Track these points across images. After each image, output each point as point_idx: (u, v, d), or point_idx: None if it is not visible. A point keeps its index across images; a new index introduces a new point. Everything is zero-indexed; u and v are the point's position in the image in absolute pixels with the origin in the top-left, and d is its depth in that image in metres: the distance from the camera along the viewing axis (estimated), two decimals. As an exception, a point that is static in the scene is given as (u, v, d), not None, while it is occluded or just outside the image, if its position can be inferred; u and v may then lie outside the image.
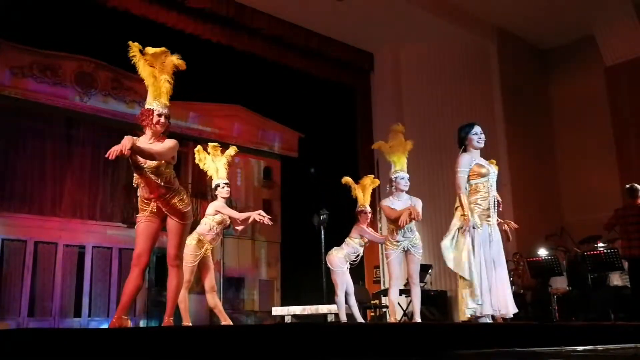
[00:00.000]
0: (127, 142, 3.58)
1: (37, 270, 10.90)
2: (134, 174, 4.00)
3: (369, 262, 10.80)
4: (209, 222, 5.63)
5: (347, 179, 6.76)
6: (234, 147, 6.08)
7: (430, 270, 9.52)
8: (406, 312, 8.49)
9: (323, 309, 7.95)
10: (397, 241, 5.73)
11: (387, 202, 5.82)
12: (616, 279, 8.11)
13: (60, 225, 11.23)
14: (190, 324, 5.57)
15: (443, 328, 4.21)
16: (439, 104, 10.97)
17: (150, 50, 4.02)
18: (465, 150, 4.89)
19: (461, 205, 4.67)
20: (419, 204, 5.73)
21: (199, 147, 5.97)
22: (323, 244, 8.49)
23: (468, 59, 11.13)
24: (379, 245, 10.12)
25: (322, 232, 8.68)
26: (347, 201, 6.95)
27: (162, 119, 4.02)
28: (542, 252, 8.74)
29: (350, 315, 6.82)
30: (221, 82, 11.48)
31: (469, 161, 4.78)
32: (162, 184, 3.97)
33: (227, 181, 5.80)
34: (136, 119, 4.08)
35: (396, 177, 5.83)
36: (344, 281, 6.56)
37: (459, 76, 11.05)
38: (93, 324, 11.08)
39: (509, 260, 6.95)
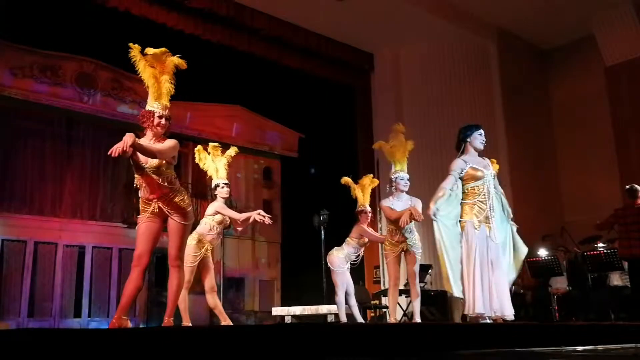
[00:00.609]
0: (128, 138, 3.59)
1: (37, 271, 10.90)
2: (135, 175, 4.01)
3: (369, 263, 10.79)
4: (209, 222, 5.63)
5: (346, 179, 6.76)
6: (235, 147, 6.09)
7: (430, 270, 9.52)
8: (406, 312, 8.49)
9: (323, 309, 7.95)
10: (397, 241, 5.73)
11: (387, 203, 5.82)
12: (616, 279, 8.11)
13: (60, 226, 11.23)
14: (190, 324, 5.57)
15: (443, 328, 4.21)
16: (439, 104, 10.96)
17: (150, 51, 4.03)
18: (463, 153, 4.91)
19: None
20: (418, 205, 5.73)
21: (199, 146, 5.98)
22: (323, 244, 8.49)
23: (468, 59, 11.12)
24: (379, 245, 10.12)
25: (322, 232, 8.68)
26: (347, 201, 6.95)
27: (163, 120, 4.04)
28: (542, 252, 8.74)
29: (350, 316, 6.82)
30: (221, 82, 11.48)
31: (462, 165, 4.84)
32: (164, 184, 3.98)
33: (226, 181, 5.80)
34: (137, 120, 4.09)
35: (396, 178, 5.83)
36: (344, 281, 6.55)
37: (459, 76, 11.05)
38: (93, 325, 11.08)
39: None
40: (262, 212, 5.54)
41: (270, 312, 9.24)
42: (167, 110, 4.08)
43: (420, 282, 6.40)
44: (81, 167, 11.67)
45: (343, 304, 6.56)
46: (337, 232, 7.46)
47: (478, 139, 4.89)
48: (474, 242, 4.65)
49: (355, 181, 6.82)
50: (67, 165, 11.50)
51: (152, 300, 11.68)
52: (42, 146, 11.26)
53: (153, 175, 3.94)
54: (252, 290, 13.98)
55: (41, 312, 10.76)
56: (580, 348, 3.65)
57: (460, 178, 4.86)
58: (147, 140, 3.99)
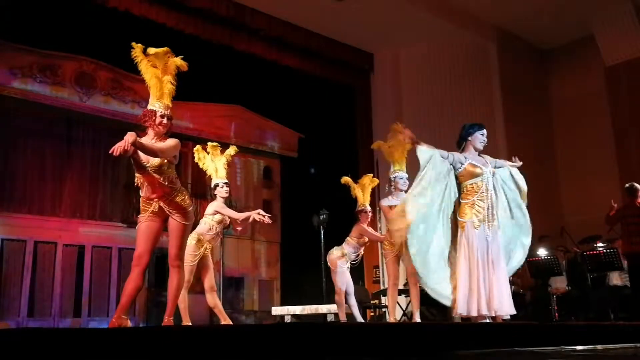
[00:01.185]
0: (129, 137, 3.59)
1: (37, 270, 10.89)
2: (136, 174, 4.02)
3: (368, 262, 10.80)
4: (209, 221, 5.63)
5: (346, 179, 6.76)
6: (234, 147, 6.09)
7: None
8: (406, 312, 8.49)
9: (323, 308, 7.95)
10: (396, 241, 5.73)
11: (386, 202, 5.84)
12: (615, 279, 8.11)
13: (59, 225, 11.22)
14: (190, 324, 5.57)
15: (443, 328, 4.21)
16: (439, 103, 10.97)
17: (152, 50, 4.04)
18: (463, 150, 4.90)
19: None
20: None
21: (198, 146, 5.98)
22: (323, 243, 8.49)
23: (468, 59, 11.12)
24: (379, 245, 10.11)
25: (322, 232, 8.68)
26: (347, 201, 6.95)
27: (165, 120, 4.05)
28: (542, 252, 8.74)
29: (350, 315, 6.82)
30: (221, 82, 11.48)
31: (462, 159, 4.78)
32: (165, 183, 3.99)
33: (226, 181, 5.80)
34: (138, 120, 4.10)
35: (395, 177, 5.85)
36: (344, 281, 6.55)
37: (459, 76, 11.05)
38: (92, 324, 11.08)
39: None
40: (261, 212, 5.54)
41: (270, 311, 9.24)
42: (168, 110, 4.09)
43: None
44: (81, 166, 11.67)
45: (343, 304, 6.56)
46: (336, 232, 7.46)
47: (479, 138, 4.87)
48: (475, 242, 4.63)
49: (355, 181, 6.82)
50: (67, 165, 11.49)
51: (152, 300, 11.68)
52: (41, 146, 11.25)
53: (154, 175, 3.95)
54: (252, 289, 13.98)
55: (41, 312, 10.75)
56: (579, 348, 3.65)
57: (457, 175, 4.83)
58: (148, 140, 3.99)
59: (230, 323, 5.85)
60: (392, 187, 5.88)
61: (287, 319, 8.15)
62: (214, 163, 5.87)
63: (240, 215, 5.69)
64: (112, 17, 8.97)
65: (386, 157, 6.09)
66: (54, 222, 11.19)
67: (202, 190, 11.97)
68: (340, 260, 6.54)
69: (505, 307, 4.61)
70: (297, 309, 8.25)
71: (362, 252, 6.75)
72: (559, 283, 8.51)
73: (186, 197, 4.15)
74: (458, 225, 4.78)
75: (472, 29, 10.87)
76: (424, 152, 4.74)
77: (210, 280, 5.65)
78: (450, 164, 4.78)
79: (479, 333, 3.79)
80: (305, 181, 13.36)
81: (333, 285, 6.68)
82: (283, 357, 2.64)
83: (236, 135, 13.91)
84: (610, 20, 10.42)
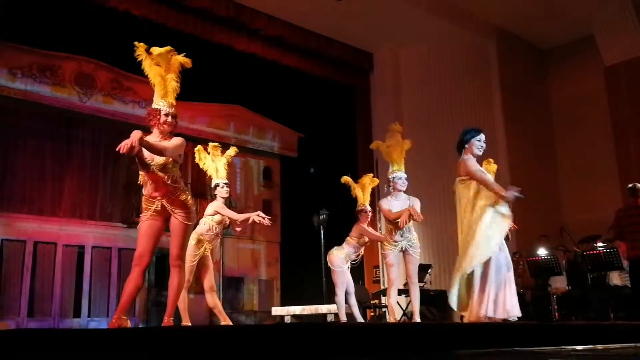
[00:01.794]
0: (135, 134, 3.59)
1: (37, 271, 10.89)
2: (140, 172, 4.01)
3: (368, 262, 10.80)
4: (208, 222, 5.64)
5: (346, 179, 6.76)
6: (234, 147, 6.09)
7: (429, 270, 9.52)
8: (405, 312, 8.49)
9: (323, 309, 7.95)
10: (395, 241, 5.74)
11: (385, 202, 5.83)
12: (615, 279, 8.11)
13: (59, 226, 11.23)
14: (190, 324, 5.57)
15: (443, 328, 4.21)
16: (438, 103, 10.97)
17: (156, 50, 4.05)
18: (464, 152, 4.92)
19: (490, 187, 4.70)
20: (417, 204, 5.74)
21: (199, 146, 5.99)
22: (323, 243, 8.50)
23: (468, 59, 11.12)
24: (379, 245, 10.11)
25: (322, 232, 8.68)
26: (347, 201, 6.96)
27: (170, 119, 4.04)
28: (542, 252, 8.74)
29: (350, 315, 6.82)
30: (221, 82, 11.48)
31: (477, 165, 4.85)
32: (169, 182, 3.98)
33: (226, 181, 5.81)
34: (144, 119, 4.10)
35: (394, 177, 5.83)
36: (344, 281, 6.55)
37: (458, 76, 11.05)
38: (92, 324, 11.08)
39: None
40: (261, 214, 5.54)
41: (270, 312, 9.25)
42: (173, 108, 4.08)
43: (419, 281, 6.40)
44: (80, 167, 11.67)
45: (343, 304, 6.56)
46: (336, 232, 7.46)
47: (476, 144, 4.87)
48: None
49: (355, 181, 6.82)
50: (67, 165, 11.50)
51: (152, 300, 11.69)
52: (41, 146, 11.26)
53: (159, 173, 3.94)
54: (252, 290, 13.99)
55: (41, 312, 10.76)
56: (579, 347, 3.65)
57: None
58: (154, 138, 3.99)
59: (230, 323, 5.85)
60: (391, 188, 5.88)
61: (287, 319, 8.15)
62: (214, 163, 5.88)
63: (240, 217, 5.68)
64: (111, 17, 8.97)
65: (385, 157, 6.08)
66: (53, 223, 11.20)
67: (202, 190, 11.97)
68: (340, 260, 6.54)
69: (515, 310, 4.66)
70: (297, 309, 8.25)
71: (362, 252, 6.75)
72: (559, 283, 8.51)
73: (189, 196, 4.14)
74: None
75: (472, 29, 10.87)
76: None
77: (210, 280, 5.65)
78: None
79: (478, 333, 3.79)
80: (305, 181, 13.36)
81: (333, 285, 6.68)
82: (283, 357, 2.64)
83: (236, 135, 13.92)
84: (609, 20, 10.41)
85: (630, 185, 7.27)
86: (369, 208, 6.67)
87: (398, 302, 7.72)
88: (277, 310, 8.80)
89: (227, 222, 5.79)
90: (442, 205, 9.02)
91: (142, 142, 3.66)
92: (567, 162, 11.42)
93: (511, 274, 4.75)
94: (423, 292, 6.83)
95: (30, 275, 10.80)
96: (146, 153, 3.89)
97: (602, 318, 7.57)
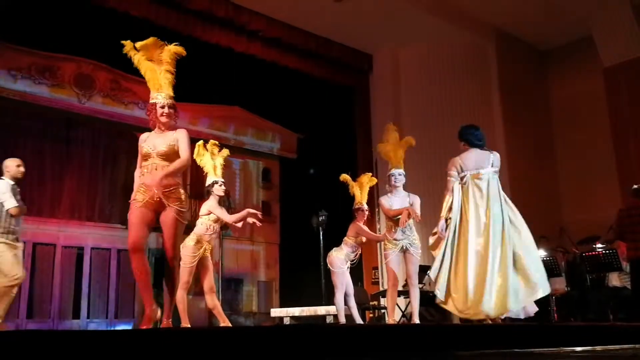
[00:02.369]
0: (158, 184, 3.75)
1: (36, 272, 10.86)
2: (143, 163, 3.99)
3: (367, 263, 10.80)
4: (205, 222, 5.64)
5: (345, 177, 6.82)
6: (227, 150, 6.09)
7: (429, 272, 9.51)
8: (405, 313, 8.48)
9: (322, 310, 7.95)
10: (396, 239, 5.75)
11: (384, 199, 5.89)
12: (615, 280, 8.11)
13: (58, 227, 11.21)
14: (189, 325, 5.56)
15: (442, 329, 4.21)
16: (437, 104, 10.97)
17: (140, 44, 3.97)
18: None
19: None
20: (417, 201, 5.79)
21: (200, 142, 5.98)
22: (322, 245, 8.49)
23: (467, 59, 11.13)
24: (378, 246, 10.13)
25: (321, 233, 8.68)
26: (346, 202, 6.96)
27: (166, 110, 3.97)
28: (541, 253, 8.74)
29: (349, 317, 6.82)
30: (220, 83, 11.47)
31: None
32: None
33: (223, 180, 5.83)
34: (142, 120, 4.10)
35: (390, 174, 5.91)
36: (344, 282, 6.55)
37: (458, 77, 11.06)
38: (92, 326, 11.06)
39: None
40: (251, 211, 5.53)
41: (269, 313, 9.25)
42: (170, 99, 4.00)
43: (419, 283, 6.40)
44: (80, 168, 11.65)
45: (342, 305, 6.56)
46: (335, 233, 7.46)
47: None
48: None
49: (354, 180, 6.85)
50: (66, 166, 11.47)
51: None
52: (40, 147, 11.24)
53: (160, 162, 3.90)
54: (251, 291, 13.97)
55: (40, 314, 10.73)
56: (578, 349, 3.65)
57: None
58: (157, 133, 3.97)
59: (229, 325, 5.84)
60: (390, 185, 5.93)
61: (286, 321, 8.15)
62: (212, 161, 5.89)
63: (231, 218, 5.66)
64: (111, 18, 8.96)
65: (384, 156, 6.12)
66: (52, 224, 11.18)
67: (201, 190, 11.97)
68: (340, 261, 6.55)
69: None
70: (296, 311, 8.25)
71: (360, 251, 6.77)
72: (558, 284, 8.51)
73: (185, 195, 4.07)
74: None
75: (472, 29, 10.88)
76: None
77: (209, 281, 5.64)
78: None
79: (478, 334, 3.79)
80: (304, 182, 13.35)
81: (332, 287, 6.69)
82: (282, 359, 2.64)
83: (235, 136, 13.91)
84: (608, 21, 10.43)
85: (635, 186, 7.23)
86: (365, 207, 6.70)
87: (397, 304, 7.71)
88: (276, 312, 8.80)
89: (224, 221, 5.80)
90: (441, 205, 9.00)
91: (162, 182, 3.75)
92: (567, 163, 11.43)
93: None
94: (422, 293, 6.83)
95: (29, 277, 10.77)
96: (147, 144, 3.89)
97: (601, 319, 7.57)
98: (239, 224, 5.64)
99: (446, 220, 4.90)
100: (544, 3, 10.19)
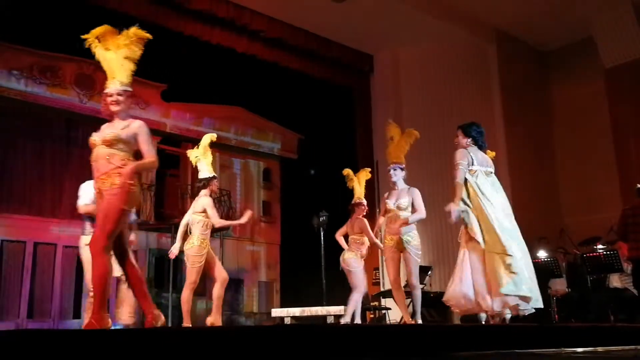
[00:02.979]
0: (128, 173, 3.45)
1: (37, 272, 10.88)
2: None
3: (368, 264, 10.73)
4: (203, 219, 5.68)
5: (347, 171, 6.95)
6: (211, 135, 6.07)
7: (429, 272, 9.52)
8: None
9: (322, 310, 7.94)
10: (394, 233, 5.74)
11: (386, 194, 5.95)
12: (615, 281, 8.10)
13: (59, 227, 11.21)
14: (190, 325, 5.56)
15: (443, 330, 4.21)
16: (438, 105, 10.97)
17: (94, 32, 3.90)
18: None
19: None
20: (417, 194, 5.80)
21: (207, 141, 6.03)
22: (323, 245, 8.49)
23: (468, 60, 11.13)
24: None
25: (322, 233, 8.67)
26: (347, 203, 6.98)
27: (114, 98, 3.72)
28: (542, 254, 8.73)
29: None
30: (221, 83, 11.47)
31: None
32: (112, 161, 3.57)
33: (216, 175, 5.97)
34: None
35: (388, 170, 5.96)
36: (364, 282, 6.65)
37: (458, 78, 11.06)
38: (92, 326, 11.05)
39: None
40: (236, 223, 5.58)
41: (270, 313, 9.23)
42: (120, 85, 3.73)
43: (420, 283, 6.40)
44: (80, 168, 11.64)
45: (360, 306, 6.63)
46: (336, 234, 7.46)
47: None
48: None
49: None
50: (67, 167, 11.48)
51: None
52: (41, 147, 11.25)
53: (103, 150, 3.59)
54: (252, 291, 13.97)
55: (40, 313, 10.74)
56: (579, 350, 3.65)
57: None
58: (112, 125, 3.69)
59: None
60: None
61: (287, 321, 8.14)
62: (211, 157, 6.00)
63: (220, 222, 5.76)
64: (111, 18, 8.94)
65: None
66: (53, 223, 11.18)
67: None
68: (355, 260, 6.60)
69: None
70: (297, 311, 8.24)
71: (366, 251, 6.80)
72: (559, 285, 8.50)
73: (132, 184, 3.58)
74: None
75: (472, 30, 10.88)
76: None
77: (220, 271, 5.70)
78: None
79: (478, 335, 3.79)
80: (305, 183, 13.35)
81: (333, 287, 6.71)
82: (283, 358, 2.63)
83: (236, 136, 13.91)
84: (609, 22, 10.42)
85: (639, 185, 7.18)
86: (364, 201, 6.77)
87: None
88: (276, 312, 8.78)
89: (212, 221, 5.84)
90: (441, 206, 8.99)
91: (131, 175, 3.45)
92: (567, 164, 11.42)
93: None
94: (423, 293, 6.83)
95: (30, 276, 10.79)
96: (97, 135, 3.64)
97: (601, 320, 7.55)
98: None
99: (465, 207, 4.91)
100: (544, 4, 10.18)
